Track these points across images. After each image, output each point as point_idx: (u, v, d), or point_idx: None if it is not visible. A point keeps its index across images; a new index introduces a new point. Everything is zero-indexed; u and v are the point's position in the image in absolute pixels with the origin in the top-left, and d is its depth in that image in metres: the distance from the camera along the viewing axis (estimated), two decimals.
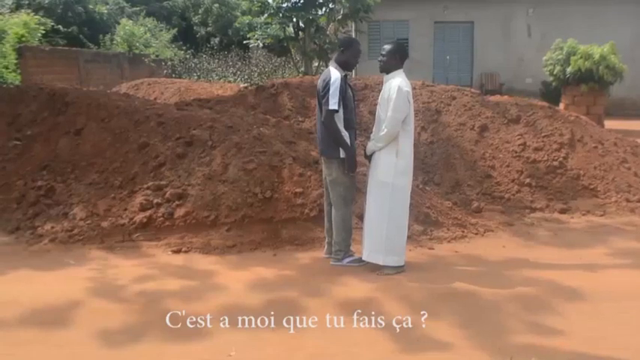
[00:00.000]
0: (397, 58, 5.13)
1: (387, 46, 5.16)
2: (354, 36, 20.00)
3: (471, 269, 5.27)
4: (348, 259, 5.34)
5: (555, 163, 7.87)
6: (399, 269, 5.12)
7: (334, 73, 5.08)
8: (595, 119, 11.40)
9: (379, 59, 5.18)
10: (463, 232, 6.31)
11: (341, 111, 5.08)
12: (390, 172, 5.02)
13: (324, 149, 5.27)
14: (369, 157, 5.28)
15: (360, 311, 4.28)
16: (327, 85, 5.04)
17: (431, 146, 8.17)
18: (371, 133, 5.43)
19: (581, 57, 13.83)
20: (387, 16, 19.91)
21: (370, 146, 5.20)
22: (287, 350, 3.79)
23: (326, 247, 5.59)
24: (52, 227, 6.13)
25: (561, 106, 14.03)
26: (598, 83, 13.88)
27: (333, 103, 4.97)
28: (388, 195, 5.03)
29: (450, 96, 9.01)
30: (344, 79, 5.14)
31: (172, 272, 5.18)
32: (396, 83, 4.96)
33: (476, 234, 6.32)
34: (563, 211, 7.19)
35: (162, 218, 6.08)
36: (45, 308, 4.40)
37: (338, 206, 5.29)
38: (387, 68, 5.15)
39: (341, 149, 5.11)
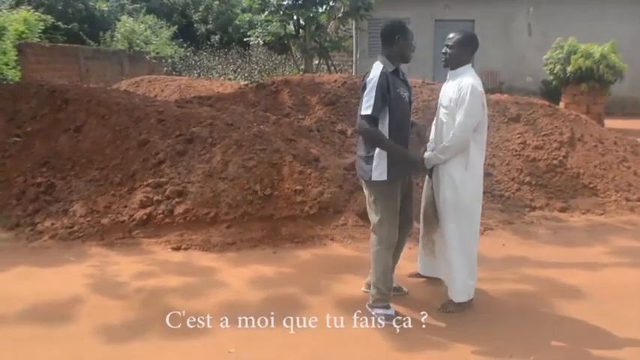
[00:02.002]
0: (469, 52, 4.23)
1: (455, 36, 4.21)
2: (354, 35, 20.01)
3: None
4: (380, 310, 4.21)
5: (555, 162, 7.87)
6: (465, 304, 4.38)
7: (375, 69, 4.02)
8: (595, 118, 11.39)
9: (443, 51, 4.24)
10: None
11: (385, 118, 3.99)
12: (458, 189, 4.15)
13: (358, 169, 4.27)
14: (428, 172, 4.41)
15: (359, 311, 4.29)
16: (365, 85, 4.02)
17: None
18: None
19: (581, 56, 13.82)
20: (388, 14, 19.79)
21: (431, 158, 4.30)
22: (286, 348, 3.80)
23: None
24: (52, 224, 6.13)
25: (561, 104, 14.02)
26: (598, 82, 13.86)
27: (367, 107, 3.90)
28: (454, 217, 4.21)
29: None
30: (393, 74, 4.05)
31: (172, 269, 5.18)
32: (469, 82, 4.06)
33: None
34: (562, 210, 7.18)
35: (162, 215, 6.08)
36: (45, 304, 4.41)
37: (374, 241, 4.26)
38: (456, 63, 4.23)
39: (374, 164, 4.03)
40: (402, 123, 4.11)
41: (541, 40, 17.58)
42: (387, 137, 3.99)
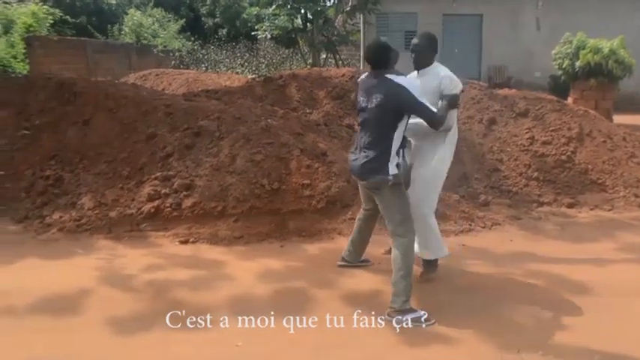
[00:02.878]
0: (434, 52, 4.77)
1: (420, 41, 4.72)
2: (362, 29, 19.96)
3: (478, 262, 5.27)
4: (411, 315, 4.11)
5: (563, 157, 7.85)
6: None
7: (403, 78, 4.21)
8: (604, 114, 11.33)
9: (412, 56, 4.73)
10: (470, 225, 6.30)
11: (404, 120, 4.23)
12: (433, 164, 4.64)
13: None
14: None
15: (365, 304, 4.30)
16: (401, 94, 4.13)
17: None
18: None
19: (590, 51, 13.74)
20: (396, 9, 19.84)
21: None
22: (293, 343, 3.81)
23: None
24: (61, 217, 6.16)
25: (570, 100, 13.95)
26: (607, 77, 13.79)
27: (430, 110, 4.24)
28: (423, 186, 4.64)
29: None
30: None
31: (180, 262, 5.20)
32: (447, 72, 4.63)
33: (483, 227, 6.31)
34: (570, 206, 7.16)
35: (169, 209, 6.09)
36: (54, 296, 4.43)
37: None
38: (424, 64, 4.73)
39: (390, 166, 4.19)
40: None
41: (550, 35, 17.49)
42: (401, 139, 4.26)
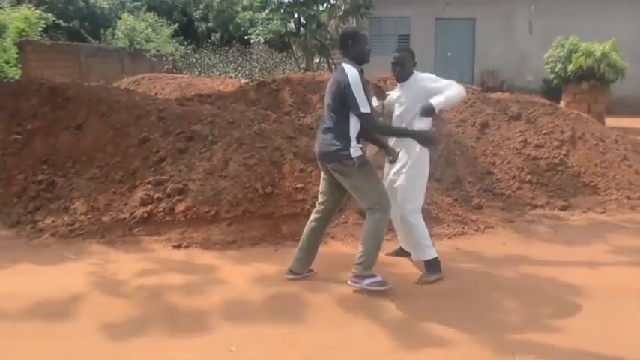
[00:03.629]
0: (413, 64, 4.95)
1: (400, 55, 4.92)
2: None
3: (472, 266, 5.28)
4: (369, 280, 4.48)
5: (556, 161, 7.87)
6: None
7: (351, 70, 4.36)
8: (596, 117, 11.37)
9: (393, 69, 4.96)
10: (463, 228, 6.31)
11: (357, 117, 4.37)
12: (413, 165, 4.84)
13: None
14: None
15: (360, 308, 4.30)
16: (345, 88, 4.30)
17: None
18: None
19: (582, 54, 13.82)
20: (389, 13, 19.88)
21: (439, 102, 4.74)
22: (287, 347, 3.79)
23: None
24: (53, 221, 6.13)
25: (562, 103, 14.01)
26: (599, 81, 13.87)
27: (365, 105, 4.28)
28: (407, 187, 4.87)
29: None
30: (361, 74, 4.41)
31: (173, 267, 5.18)
32: (424, 75, 4.94)
33: (476, 230, 6.32)
34: (563, 209, 7.18)
35: (162, 213, 6.08)
36: (46, 301, 4.41)
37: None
38: (405, 76, 4.94)
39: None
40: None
41: (542, 39, 17.56)
42: (359, 126, 4.39)
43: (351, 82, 4.28)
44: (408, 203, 4.81)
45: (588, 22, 17.70)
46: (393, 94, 5.12)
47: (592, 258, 5.52)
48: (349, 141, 4.37)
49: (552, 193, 7.49)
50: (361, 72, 4.42)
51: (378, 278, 4.46)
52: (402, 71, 4.91)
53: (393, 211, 4.74)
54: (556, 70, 14.58)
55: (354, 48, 4.49)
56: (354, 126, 4.40)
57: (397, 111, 4.98)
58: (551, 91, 15.81)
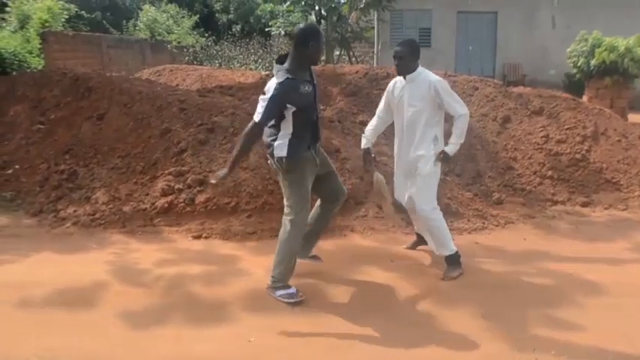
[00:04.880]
0: (416, 58, 4.80)
1: (403, 49, 4.76)
2: (376, 26, 19.91)
3: (491, 261, 5.25)
4: (282, 292, 4.36)
5: (578, 156, 7.79)
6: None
7: (278, 77, 4.23)
8: (619, 112, 11.23)
9: (395, 63, 4.80)
10: (484, 223, 6.28)
11: (289, 114, 4.22)
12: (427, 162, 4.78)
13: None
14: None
15: (379, 301, 4.30)
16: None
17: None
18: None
19: (605, 49, 13.63)
20: (410, 6, 19.76)
21: (454, 147, 4.73)
22: (306, 337, 3.81)
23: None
24: (75, 211, 6.20)
25: (585, 98, 13.84)
26: (622, 76, 13.68)
27: (258, 114, 4.16)
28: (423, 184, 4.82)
29: (472, 87, 8.94)
30: (293, 80, 4.21)
31: (193, 257, 5.22)
32: (436, 77, 4.73)
33: (496, 226, 6.29)
34: (584, 205, 7.11)
35: (183, 204, 6.12)
36: (69, 290, 4.47)
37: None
38: (408, 70, 4.78)
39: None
40: (308, 112, 4.28)
41: (565, 33, 17.35)
42: (292, 128, 4.22)
43: (267, 89, 4.23)
44: (425, 205, 4.78)
45: (612, 16, 17.44)
46: (395, 91, 4.96)
47: (613, 255, 5.47)
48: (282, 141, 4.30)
49: (574, 189, 7.42)
50: (299, 74, 4.25)
51: (290, 290, 4.35)
52: (402, 64, 4.77)
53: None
54: (579, 64, 14.40)
55: (311, 49, 4.31)
56: (285, 129, 4.29)
57: (406, 112, 4.81)
58: (574, 85, 15.63)
